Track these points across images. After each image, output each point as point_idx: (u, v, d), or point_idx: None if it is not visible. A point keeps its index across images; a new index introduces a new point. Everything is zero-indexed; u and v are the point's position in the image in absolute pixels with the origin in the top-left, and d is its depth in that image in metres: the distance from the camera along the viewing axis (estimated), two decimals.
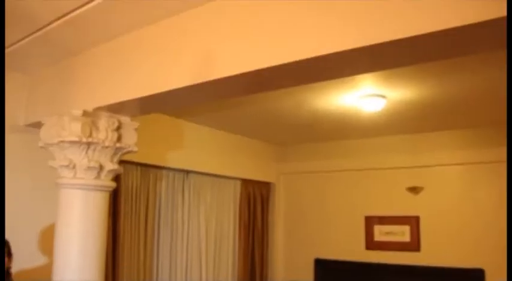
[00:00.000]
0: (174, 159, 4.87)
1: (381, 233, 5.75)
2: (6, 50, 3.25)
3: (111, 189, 3.19)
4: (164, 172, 4.90)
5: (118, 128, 3.10)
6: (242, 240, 5.86)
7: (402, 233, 5.58)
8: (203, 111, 4.69)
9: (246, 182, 5.94)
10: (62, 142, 2.98)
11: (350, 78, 3.48)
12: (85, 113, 2.95)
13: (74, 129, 2.91)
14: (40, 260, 3.57)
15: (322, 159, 6.18)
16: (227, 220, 5.72)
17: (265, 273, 6.23)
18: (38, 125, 3.44)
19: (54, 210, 3.64)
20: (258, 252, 6.09)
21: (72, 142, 2.94)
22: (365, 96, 4.07)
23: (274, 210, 6.47)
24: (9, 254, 2.70)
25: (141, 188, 4.63)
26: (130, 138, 3.19)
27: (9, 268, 2.71)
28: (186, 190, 5.16)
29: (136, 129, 3.23)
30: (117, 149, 3.12)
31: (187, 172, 5.16)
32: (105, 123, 3.03)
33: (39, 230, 3.67)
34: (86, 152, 2.98)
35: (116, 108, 3.02)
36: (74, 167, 3.00)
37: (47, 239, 3.66)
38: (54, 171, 3.31)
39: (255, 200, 6.12)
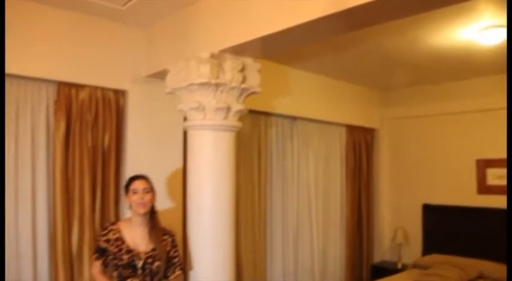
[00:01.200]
0: (282, 105, 4.91)
1: (494, 176, 5.51)
2: (124, 7, 3.39)
3: (237, 130, 3.30)
4: (273, 118, 4.97)
5: (242, 70, 3.17)
6: (349, 186, 5.88)
7: None
8: (308, 56, 4.67)
9: (350, 129, 5.89)
10: (191, 85, 3.09)
11: (468, 8, 3.31)
12: (212, 56, 3.04)
13: (203, 72, 3.01)
14: (167, 205, 3.81)
15: (429, 102, 5.97)
16: (334, 167, 5.75)
17: (371, 219, 6.25)
18: (159, 74, 3.61)
19: (177, 156, 3.87)
20: (364, 198, 6.10)
21: (201, 84, 3.05)
22: (485, 28, 3.84)
23: (379, 156, 6.41)
24: (153, 191, 2.89)
25: (253, 135, 4.73)
26: (253, 80, 3.26)
27: (154, 205, 2.90)
28: (295, 136, 5.22)
29: (259, 71, 3.29)
30: (243, 90, 3.20)
31: (295, 118, 5.21)
32: (230, 65, 3.10)
33: (165, 176, 3.88)
34: (215, 94, 3.09)
35: (239, 50, 3.08)
36: (203, 109, 3.12)
37: (172, 184, 3.89)
38: (174, 117, 3.52)
39: (360, 147, 6.08)
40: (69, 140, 3.55)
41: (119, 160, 3.79)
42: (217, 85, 3.05)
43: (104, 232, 2.86)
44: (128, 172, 3.69)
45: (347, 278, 5.89)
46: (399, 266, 5.88)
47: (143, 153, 3.81)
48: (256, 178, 4.77)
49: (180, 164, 3.97)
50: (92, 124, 3.65)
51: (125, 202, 3.66)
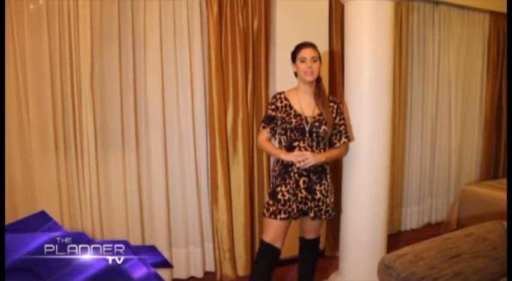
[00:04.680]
0: None
1: None
2: None
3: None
4: (415, 3, 4.74)
5: None
6: (490, 79, 5.54)
7: None
8: None
9: (495, 16, 5.41)
10: None
11: None
12: None
13: None
14: None
15: None
16: (475, 57, 5.42)
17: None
18: None
19: (323, 38, 3.84)
20: (505, 93, 5.74)
21: None
22: None
23: None
24: (320, 59, 2.90)
25: (394, 21, 4.55)
26: None
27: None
28: (436, 23, 4.97)
29: None
30: None
31: (437, 3, 4.92)
32: None
33: None
34: None
35: None
36: None
37: None
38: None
39: (505, 38, 5.63)
40: (222, 22, 3.65)
41: (268, 43, 3.84)
42: None
43: (272, 101, 2.96)
44: (278, 55, 3.76)
45: (482, 175, 5.73)
46: None
47: (291, 36, 3.79)
48: (397, 64, 4.64)
49: (326, 47, 3.96)
50: (242, 7, 3.70)
51: (274, 85, 3.79)
